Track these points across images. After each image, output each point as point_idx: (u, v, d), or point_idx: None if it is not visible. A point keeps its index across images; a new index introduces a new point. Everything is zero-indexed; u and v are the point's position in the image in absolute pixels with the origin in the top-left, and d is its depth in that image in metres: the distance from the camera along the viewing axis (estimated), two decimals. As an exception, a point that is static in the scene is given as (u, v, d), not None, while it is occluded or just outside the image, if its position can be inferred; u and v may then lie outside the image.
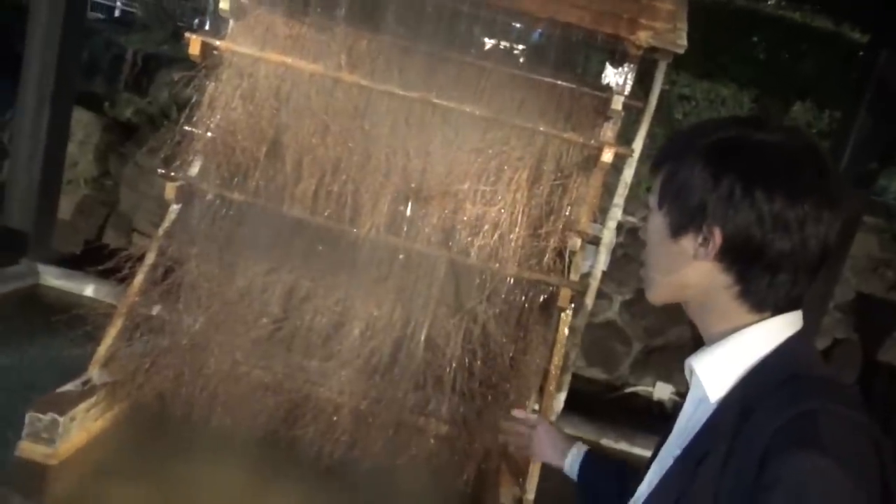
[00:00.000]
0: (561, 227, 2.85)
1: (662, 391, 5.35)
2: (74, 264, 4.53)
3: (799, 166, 0.89)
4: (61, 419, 2.61)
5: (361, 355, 2.95)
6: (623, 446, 4.05)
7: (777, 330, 0.93)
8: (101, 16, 9.98)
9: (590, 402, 4.35)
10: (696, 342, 1.04)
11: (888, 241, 5.36)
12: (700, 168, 0.93)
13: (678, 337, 5.34)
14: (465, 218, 2.83)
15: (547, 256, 2.84)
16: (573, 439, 1.63)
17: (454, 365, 2.94)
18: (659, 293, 1.04)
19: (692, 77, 5.73)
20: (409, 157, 2.87)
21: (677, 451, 0.97)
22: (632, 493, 1.11)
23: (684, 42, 2.79)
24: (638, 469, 1.21)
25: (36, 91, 4.18)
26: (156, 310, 3.02)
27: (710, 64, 5.68)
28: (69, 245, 5.34)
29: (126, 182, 5.74)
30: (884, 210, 5.12)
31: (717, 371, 0.94)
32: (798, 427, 0.80)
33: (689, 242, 0.95)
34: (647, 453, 1.15)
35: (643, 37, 2.79)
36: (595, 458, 1.53)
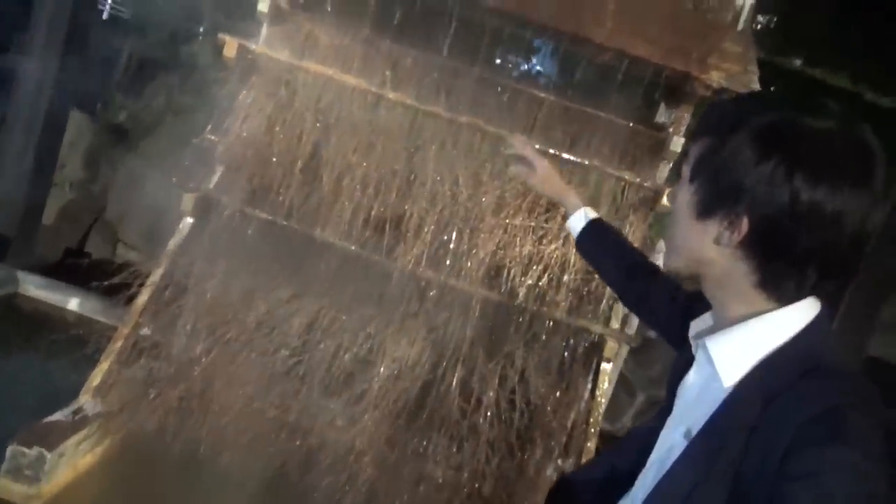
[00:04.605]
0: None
1: (666, 445, 5.12)
2: (53, 273, 4.17)
3: (846, 158, 0.84)
4: (49, 455, 2.28)
5: (388, 397, 2.68)
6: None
7: (796, 317, 0.89)
8: (91, 16, 9.64)
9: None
10: None
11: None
12: (746, 148, 0.87)
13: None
14: (516, 255, 2.60)
15: (603, 303, 2.62)
16: (570, 187, 1.66)
17: (489, 414, 2.69)
18: (676, 262, 1.00)
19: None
20: (457, 185, 2.65)
21: (682, 428, 0.95)
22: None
23: (758, 86, 2.64)
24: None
25: (34, 87, 3.87)
26: (160, 334, 2.72)
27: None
28: (49, 251, 4.96)
29: (115, 189, 5.40)
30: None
31: (732, 355, 0.91)
32: (826, 422, 0.79)
33: (713, 226, 0.90)
34: None
35: (716, 77, 2.63)
36: (599, 229, 1.54)
